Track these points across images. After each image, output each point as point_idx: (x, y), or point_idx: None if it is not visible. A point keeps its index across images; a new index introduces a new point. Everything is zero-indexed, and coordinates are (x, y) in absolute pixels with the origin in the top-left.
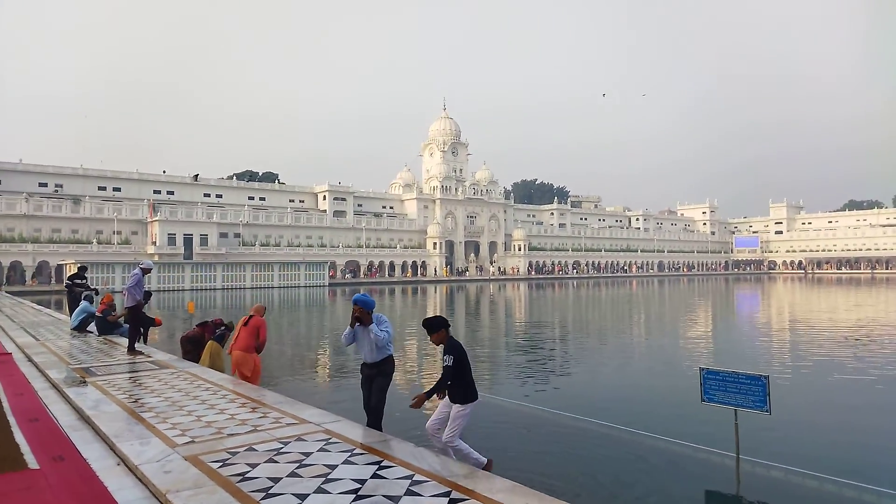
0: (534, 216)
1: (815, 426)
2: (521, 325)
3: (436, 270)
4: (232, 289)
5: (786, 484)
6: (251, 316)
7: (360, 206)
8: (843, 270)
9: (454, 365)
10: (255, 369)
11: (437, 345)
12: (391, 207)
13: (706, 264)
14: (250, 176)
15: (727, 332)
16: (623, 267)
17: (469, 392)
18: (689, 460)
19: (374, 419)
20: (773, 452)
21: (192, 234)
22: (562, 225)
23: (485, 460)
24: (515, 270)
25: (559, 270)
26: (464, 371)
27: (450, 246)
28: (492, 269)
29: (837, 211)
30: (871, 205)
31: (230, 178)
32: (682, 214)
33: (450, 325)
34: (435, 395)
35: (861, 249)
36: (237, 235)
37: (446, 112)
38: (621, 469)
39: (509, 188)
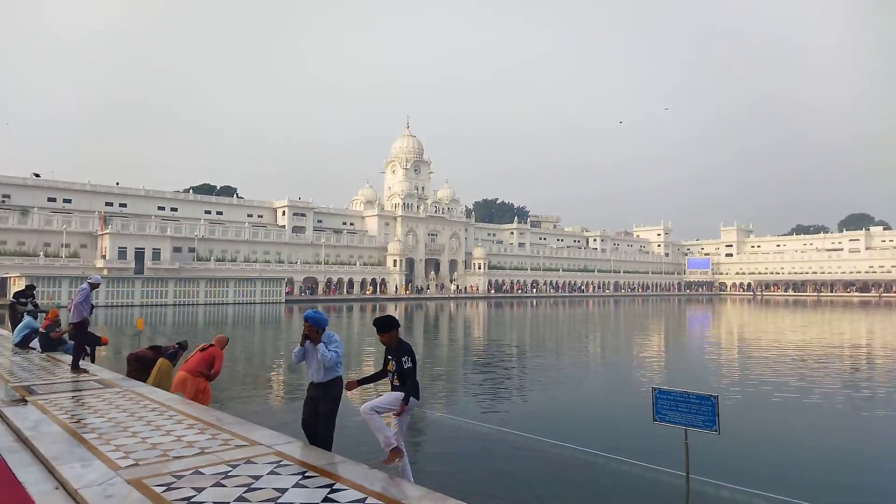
0: (494, 235)
1: (763, 445)
2: (480, 343)
3: (396, 288)
4: (184, 305)
5: (732, 503)
6: (211, 345)
7: (319, 221)
8: (790, 293)
9: (414, 366)
10: (196, 394)
11: (385, 344)
12: (352, 224)
13: (660, 285)
14: (208, 189)
15: (680, 351)
16: (580, 287)
17: (413, 389)
18: (641, 480)
19: (324, 446)
20: (721, 472)
21: (143, 248)
22: (521, 244)
23: (394, 444)
24: (475, 289)
25: (518, 289)
26: (414, 372)
27: (410, 263)
28: (452, 287)
29: (785, 235)
30: (818, 229)
31: (186, 191)
32: (637, 236)
33: (400, 326)
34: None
35: (807, 273)
36: (192, 250)
37: (410, 130)
38: (574, 488)
39: (471, 207)
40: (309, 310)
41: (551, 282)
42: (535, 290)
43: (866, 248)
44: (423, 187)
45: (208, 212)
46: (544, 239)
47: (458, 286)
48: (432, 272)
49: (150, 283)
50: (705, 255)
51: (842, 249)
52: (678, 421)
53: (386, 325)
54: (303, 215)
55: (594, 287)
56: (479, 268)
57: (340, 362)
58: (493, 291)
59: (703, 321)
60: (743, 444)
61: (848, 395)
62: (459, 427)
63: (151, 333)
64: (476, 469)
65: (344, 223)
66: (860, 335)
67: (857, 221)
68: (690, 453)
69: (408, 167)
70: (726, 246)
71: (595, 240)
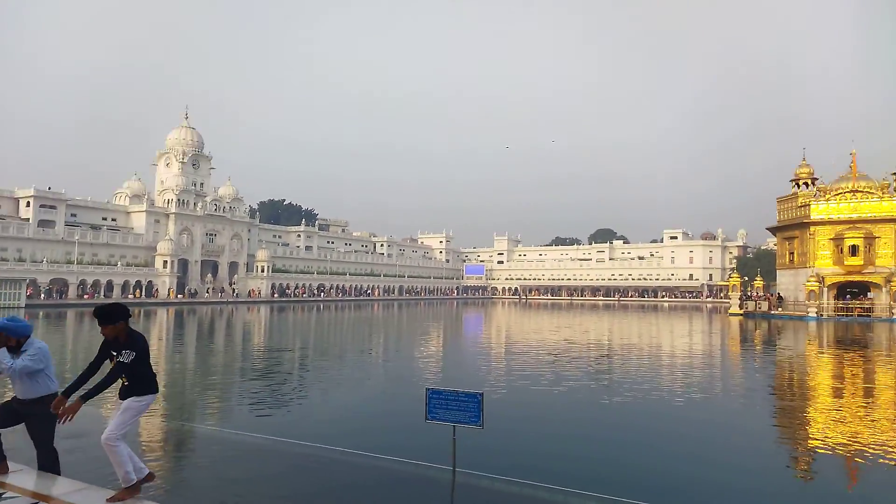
0: (280, 237)
1: (521, 435)
2: (258, 349)
3: (169, 292)
4: None
5: (493, 492)
6: None
7: (73, 216)
8: (549, 297)
9: (133, 362)
10: None
11: (111, 338)
12: (114, 220)
13: (441, 289)
14: None
15: (456, 351)
16: (367, 291)
17: (148, 384)
18: (410, 477)
19: (52, 471)
20: (485, 463)
21: None
22: (308, 247)
23: (146, 471)
24: (257, 293)
25: (303, 293)
26: (145, 366)
27: (183, 265)
28: (232, 290)
29: (546, 246)
30: (572, 242)
31: None
32: (422, 242)
33: (130, 317)
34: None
35: (563, 279)
36: None
37: (188, 121)
38: (342, 493)
39: (255, 207)
40: (4, 317)
41: (338, 286)
42: (322, 294)
43: (609, 259)
44: (201, 183)
45: None
46: (332, 243)
47: (235, 290)
48: (209, 275)
49: None
50: (480, 262)
51: (591, 259)
52: (448, 418)
53: (109, 316)
54: (52, 208)
55: (380, 291)
56: (263, 271)
57: (49, 377)
58: (276, 295)
59: (476, 323)
60: (504, 435)
61: (590, 385)
62: (229, 439)
63: None
64: (244, 481)
65: (105, 219)
66: (602, 333)
67: (603, 235)
68: (459, 448)
69: (185, 161)
70: (498, 254)
71: (382, 245)
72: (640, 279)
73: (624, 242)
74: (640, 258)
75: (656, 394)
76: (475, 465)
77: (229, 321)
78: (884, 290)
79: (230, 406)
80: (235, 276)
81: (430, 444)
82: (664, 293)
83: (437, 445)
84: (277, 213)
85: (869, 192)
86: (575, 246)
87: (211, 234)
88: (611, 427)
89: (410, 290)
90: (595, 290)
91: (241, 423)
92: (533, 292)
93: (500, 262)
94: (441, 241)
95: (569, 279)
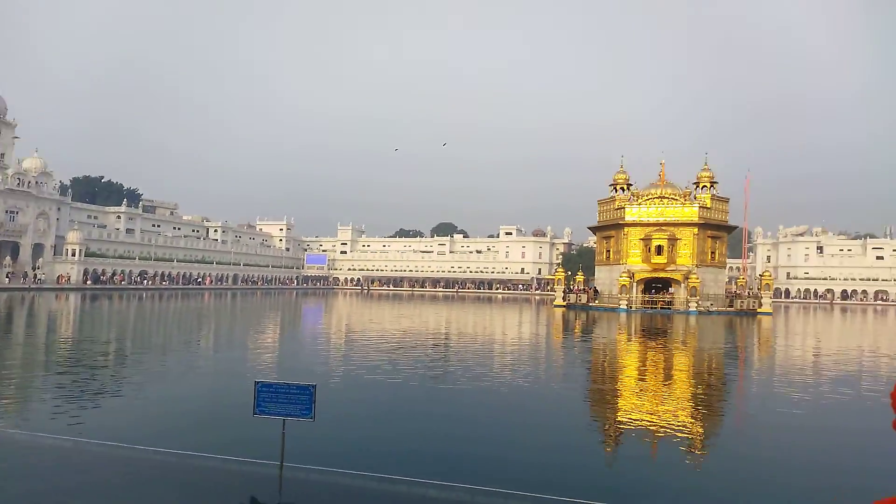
0: (96, 218)
1: (353, 426)
2: (64, 340)
3: None
4: None
5: (322, 485)
6: None
7: None
8: (391, 288)
9: None
10: None
11: None
12: None
13: (280, 279)
14: None
15: (292, 343)
16: (197, 279)
17: None
18: (235, 475)
19: None
20: (316, 457)
21: None
22: (130, 230)
23: None
24: (66, 279)
25: (122, 280)
26: None
27: None
28: (35, 276)
29: (390, 237)
30: (416, 234)
31: None
32: (260, 229)
33: None
34: None
35: (405, 270)
36: None
37: None
38: (156, 497)
39: (68, 183)
40: None
41: (164, 273)
42: (145, 281)
43: (450, 252)
44: (2, 154)
45: None
46: (158, 226)
47: (39, 275)
48: (8, 258)
49: None
50: (323, 251)
51: (432, 252)
52: (277, 412)
53: None
54: None
55: (213, 279)
56: (73, 254)
57: None
58: (89, 282)
59: (315, 313)
60: (337, 426)
61: (425, 374)
62: (24, 442)
63: None
64: (40, 489)
65: None
66: (439, 324)
67: (445, 229)
68: (289, 442)
69: None
70: (342, 244)
71: (216, 231)
72: (477, 272)
73: (464, 237)
74: (478, 252)
75: (486, 380)
76: (306, 459)
77: (31, 310)
78: (682, 285)
79: (28, 404)
80: (41, 259)
81: (259, 440)
82: (498, 285)
83: (268, 440)
84: (94, 192)
85: (674, 199)
86: (418, 238)
87: (12, 212)
88: (442, 413)
89: (246, 279)
90: (436, 282)
91: (41, 423)
92: (375, 283)
93: (344, 252)
94: (281, 229)
95: (411, 270)
